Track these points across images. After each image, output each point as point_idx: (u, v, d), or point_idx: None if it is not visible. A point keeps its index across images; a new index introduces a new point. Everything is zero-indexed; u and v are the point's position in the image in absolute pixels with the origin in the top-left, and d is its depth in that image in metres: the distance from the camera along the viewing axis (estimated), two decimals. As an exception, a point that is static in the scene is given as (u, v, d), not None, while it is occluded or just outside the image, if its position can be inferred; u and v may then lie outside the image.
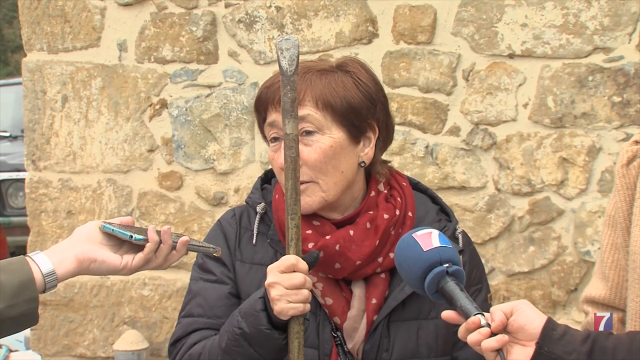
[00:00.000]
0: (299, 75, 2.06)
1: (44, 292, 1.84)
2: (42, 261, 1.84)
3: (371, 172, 2.19)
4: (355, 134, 2.11)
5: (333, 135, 2.08)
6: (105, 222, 1.93)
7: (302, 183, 2.05)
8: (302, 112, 2.05)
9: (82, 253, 1.87)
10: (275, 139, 2.10)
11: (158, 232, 1.93)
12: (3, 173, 8.95)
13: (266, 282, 1.94)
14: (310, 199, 2.08)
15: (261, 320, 1.95)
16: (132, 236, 1.90)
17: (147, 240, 1.91)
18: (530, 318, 1.74)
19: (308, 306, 1.94)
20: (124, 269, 1.91)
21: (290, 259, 1.93)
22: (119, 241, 1.93)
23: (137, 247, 1.93)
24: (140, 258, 1.92)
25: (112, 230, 1.91)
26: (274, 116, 2.08)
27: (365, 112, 2.11)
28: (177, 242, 1.95)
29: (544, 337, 1.72)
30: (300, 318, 1.94)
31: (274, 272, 1.93)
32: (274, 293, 1.92)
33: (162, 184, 4.19)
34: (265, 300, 1.96)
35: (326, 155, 2.07)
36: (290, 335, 1.95)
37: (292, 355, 1.95)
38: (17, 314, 1.78)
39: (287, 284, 1.91)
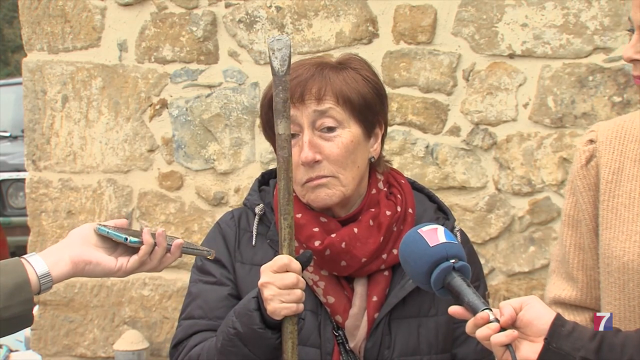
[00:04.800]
0: (317, 71, 2.10)
1: (38, 293, 1.84)
2: (37, 263, 1.84)
3: (374, 168, 2.20)
4: (369, 129, 2.15)
5: (352, 130, 2.11)
6: (100, 224, 1.94)
7: (322, 177, 2.08)
8: (323, 106, 2.08)
9: (77, 255, 1.88)
10: (292, 135, 2.10)
11: (153, 235, 1.94)
12: (3, 173, 8.95)
13: (259, 282, 1.95)
14: (332, 192, 2.10)
15: (254, 319, 1.95)
16: (127, 239, 1.91)
17: (141, 243, 1.92)
18: (539, 313, 1.74)
19: (301, 306, 1.95)
20: (119, 271, 1.92)
21: (282, 258, 1.93)
22: (113, 243, 1.94)
23: (132, 250, 1.93)
24: (135, 260, 1.93)
25: (107, 232, 1.92)
26: (291, 112, 2.08)
27: (377, 108, 2.15)
28: (171, 245, 1.95)
29: (552, 333, 1.72)
30: (294, 318, 1.95)
31: (267, 272, 1.94)
32: (266, 293, 1.93)
33: (163, 184, 4.19)
34: (259, 300, 1.96)
35: (347, 150, 2.09)
36: (284, 335, 1.95)
37: (286, 355, 1.95)
38: (11, 316, 1.78)
39: (279, 283, 1.92)
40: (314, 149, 2.08)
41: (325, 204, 2.11)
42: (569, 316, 2.13)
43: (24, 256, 1.86)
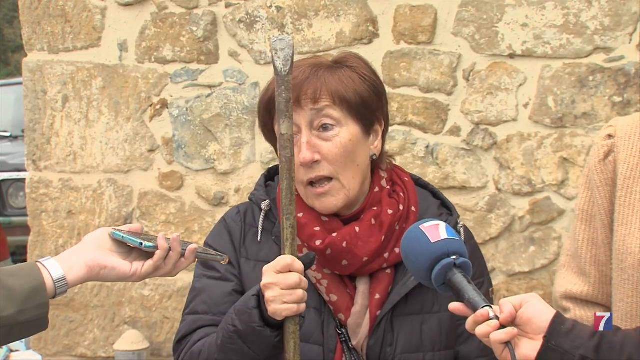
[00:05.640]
0: (312, 72, 2.10)
1: (53, 297, 1.86)
2: (52, 267, 1.85)
3: (376, 166, 2.20)
4: (367, 127, 2.14)
5: (350, 129, 2.10)
6: (115, 229, 1.95)
7: (322, 179, 2.09)
8: (319, 106, 2.08)
9: (92, 260, 1.89)
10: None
11: (167, 240, 1.95)
12: (4, 173, 8.94)
13: (262, 283, 1.95)
14: (335, 199, 2.11)
15: (253, 317, 1.96)
16: (142, 243, 1.92)
17: (156, 248, 1.93)
18: (539, 311, 1.74)
19: (303, 306, 1.95)
20: (134, 275, 1.94)
21: (285, 259, 1.93)
22: (128, 248, 1.95)
23: (147, 254, 1.95)
24: (150, 265, 1.94)
25: (122, 237, 1.93)
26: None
27: (375, 105, 2.15)
28: (185, 250, 1.97)
29: (552, 330, 1.72)
30: (295, 318, 1.95)
31: (269, 273, 1.94)
32: (269, 294, 1.93)
33: (163, 184, 4.19)
34: (259, 298, 1.96)
35: (346, 150, 2.09)
36: (286, 335, 1.95)
37: (288, 355, 1.95)
38: (27, 319, 1.80)
39: (282, 284, 1.92)
40: (313, 149, 2.08)
41: (331, 211, 2.12)
42: (579, 311, 2.13)
43: (40, 260, 1.87)
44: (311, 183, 2.11)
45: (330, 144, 2.09)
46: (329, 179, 2.10)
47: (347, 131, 2.10)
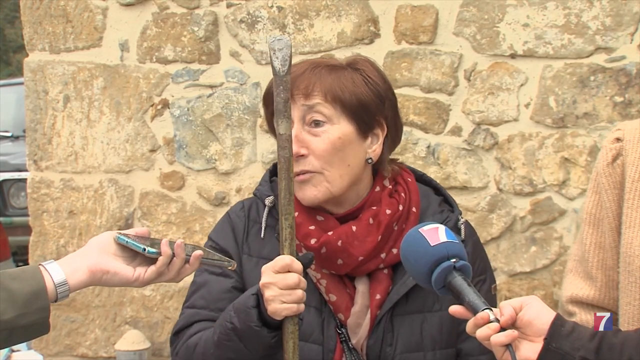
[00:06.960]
0: (309, 68, 2.10)
1: (55, 301, 1.83)
2: (54, 271, 1.83)
3: (378, 170, 2.19)
4: (364, 129, 2.13)
5: (342, 127, 2.10)
6: (120, 233, 1.92)
7: (306, 172, 2.08)
8: (311, 102, 2.08)
9: (95, 264, 1.87)
10: None
11: (172, 245, 1.92)
12: (5, 173, 8.94)
13: (261, 283, 1.95)
14: (316, 189, 2.09)
15: (252, 317, 1.96)
16: (145, 249, 1.89)
17: (160, 254, 1.90)
18: (539, 313, 1.74)
19: (302, 306, 1.95)
20: (136, 281, 1.90)
21: (284, 259, 1.93)
22: (132, 252, 1.92)
23: (151, 259, 1.92)
24: (153, 271, 1.91)
25: (127, 242, 1.90)
26: None
27: (374, 108, 2.13)
28: (190, 256, 1.93)
29: (552, 332, 1.72)
30: (294, 318, 1.95)
31: (268, 273, 1.94)
32: (268, 294, 1.93)
33: (164, 184, 4.19)
34: (259, 297, 1.96)
35: (334, 147, 2.08)
36: (285, 335, 1.95)
37: (287, 355, 1.95)
38: (27, 323, 1.78)
39: (281, 284, 1.92)
40: (300, 143, 2.08)
41: (311, 202, 2.11)
42: (585, 315, 2.12)
43: (42, 263, 1.85)
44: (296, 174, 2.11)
45: (318, 140, 2.09)
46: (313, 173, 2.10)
47: (338, 129, 2.09)
